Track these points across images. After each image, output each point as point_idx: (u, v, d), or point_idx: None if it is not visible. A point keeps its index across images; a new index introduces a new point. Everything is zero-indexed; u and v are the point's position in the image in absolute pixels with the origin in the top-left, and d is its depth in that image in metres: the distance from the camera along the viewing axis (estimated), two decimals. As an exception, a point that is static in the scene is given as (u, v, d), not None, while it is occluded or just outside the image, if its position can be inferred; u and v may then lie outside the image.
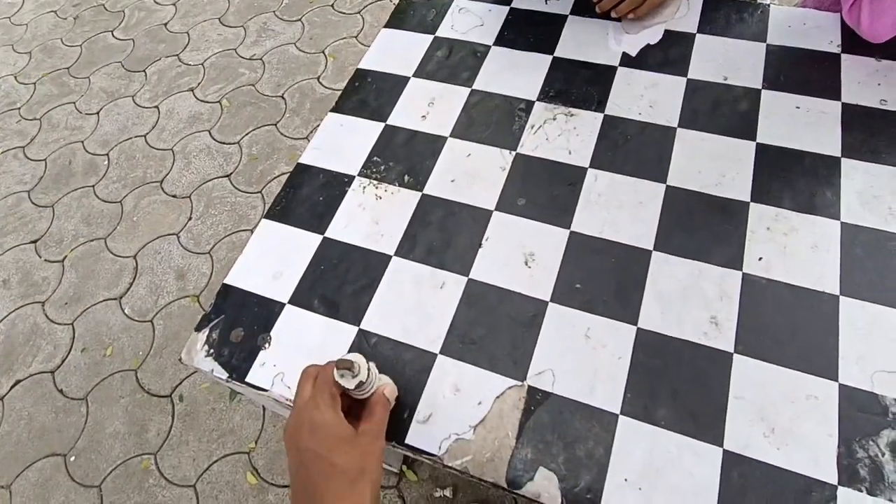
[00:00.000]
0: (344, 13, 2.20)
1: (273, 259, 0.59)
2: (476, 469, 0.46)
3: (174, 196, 1.73)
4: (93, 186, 1.80)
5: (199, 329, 0.56)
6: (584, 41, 0.74)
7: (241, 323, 0.56)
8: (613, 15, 0.74)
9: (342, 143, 0.68)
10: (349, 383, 0.42)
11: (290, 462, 0.41)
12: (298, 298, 0.56)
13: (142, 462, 1.27)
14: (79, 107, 2.06)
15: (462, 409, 0.48)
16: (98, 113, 2.02)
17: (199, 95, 2.00)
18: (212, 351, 0.54)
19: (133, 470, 1.27)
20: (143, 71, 2.13)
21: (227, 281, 0.59)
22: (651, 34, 0.73)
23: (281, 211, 0.63)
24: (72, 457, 1.31)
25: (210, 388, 1.35)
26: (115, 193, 1.77)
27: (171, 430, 1.31)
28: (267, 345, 0.54)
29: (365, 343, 0.53)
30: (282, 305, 0.56)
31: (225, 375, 0.53)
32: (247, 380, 0.52)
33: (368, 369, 0.43)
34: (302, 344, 0.54)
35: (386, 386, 0.46)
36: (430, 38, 0.77)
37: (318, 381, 0.42)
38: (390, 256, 0.58)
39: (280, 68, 2.04)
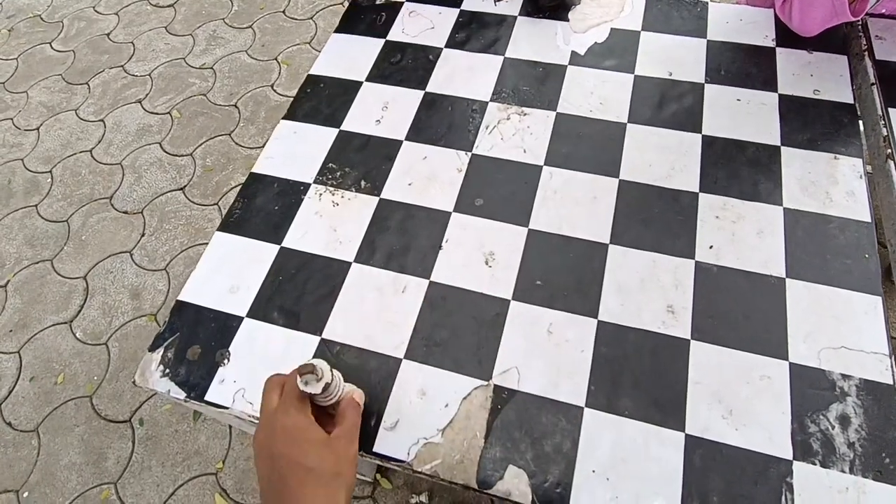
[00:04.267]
0: (296, 19, 2.17)
1: (229, 272, 0.58)
2: (446, 472, 0.45)
3: (125, 212, 1.66)
4: (35, 206, 1.71)
5: (153, 349, 0.54)
6: (533, 41, 0.75)
7: (197, 340, 0.54)
8: None
9: (296, 150, 0.67)
10: (315, 388, 0.40)
11: (260, 471, 0.39)
12: (257, 311, 0.55)
13: (101, 492, 1.21)
14: (17, 123, 1.95)
15: (429, 413, 0.48)
16: (38, 129, 1.92)
17: (147, 107, 1.93)
18: (167, 371, 0.52)
19: (92, 502, 1.20)
20: (86, 83, 2.04)
21: (182, 297, 0.57)
22: (598, 33, 0.75)
23: (235, 223, 0.61)
24: (24, 492, 1.23)
25: (172, 410, 1.30)
26: (61, 212, 1.68)
27: (131, 456, 1.25)
28: (226, 361, 0.52)
29: (328, 352, 0.52)
30: (240, 319, 0.54)
31: (182, 395, 0.51)
32: (206, 398, 0.50)
33: (332, 372, 0.42)
34: (263, 358, 0.52)
35: (354, 391, 0.46)
36: (381, 42, 0.77)
37: (285, 389, 0.41)
38: (350, 263, 0.57)
39: (232, 77, 1.99)
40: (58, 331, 1.44)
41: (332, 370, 0.42)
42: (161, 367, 0.52)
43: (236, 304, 0.55)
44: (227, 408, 0.50)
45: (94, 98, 1.98)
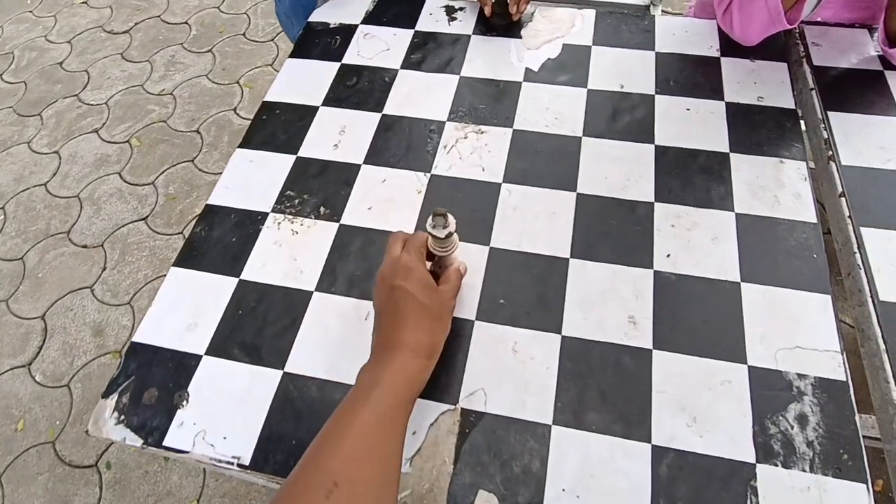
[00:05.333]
0: (256, 41, 2.15)
1: (186, 309, 0.56)
2: (416, 502, 0.44)
3: (84, 246, 1.61)
4: (-12, 244, 1.65)
5: (106, 395, 0.52)
6: (488, 59, 0.76)
7: (153, 382, 0.52)
8: (516, 17, 0.77)
9: (253, 179, 0.66)
10: (440, 232, 0.47)
11: (378, 298, 0.47)
12: (216, 348, 0.53)
13: (69, 542, 1.16)
14: (-35, 159, 1.88)
15: (397, 442, 0.47)
16: (-11, 164, 1.85)
17: (104, 136, 1.89)
18: (122, 417, 0.50)
19: (59, 552, 1.15)
20: (39, 115, 1.98)
21: (136, 339, 0.55)
22: (550, 49, 0.76)
23: (191, 257, 0.60)
24: (-15, 549, 1.17)
25: (141, 451, 1.25)
26: (15, 250, 1.62)
27: (99, 502, 1.20)
28: (185, 402, 0.50)
29: (291, 386, 0.51)
30: (198, 358, 0.53)
31: (139, 442, 0.49)
32: (164, 444, 0.49)
33: (455, 229, 0.48)
34: (224, 397, 0.51)
35: (462, 263, 0.53)
36: (336, 65, 0.77)
37: (409, 241, 0.49)
38: (311, 292, 0.56)
39: (193, 102, 1.97)
40: (16, 375, 1.38)
41: (455, 227, 0.48)
42: (115, 414, 0.50)
43: (194, 341, 0.54)
44: (186, 452, 0.48)
45: (47, 129, 1.93)
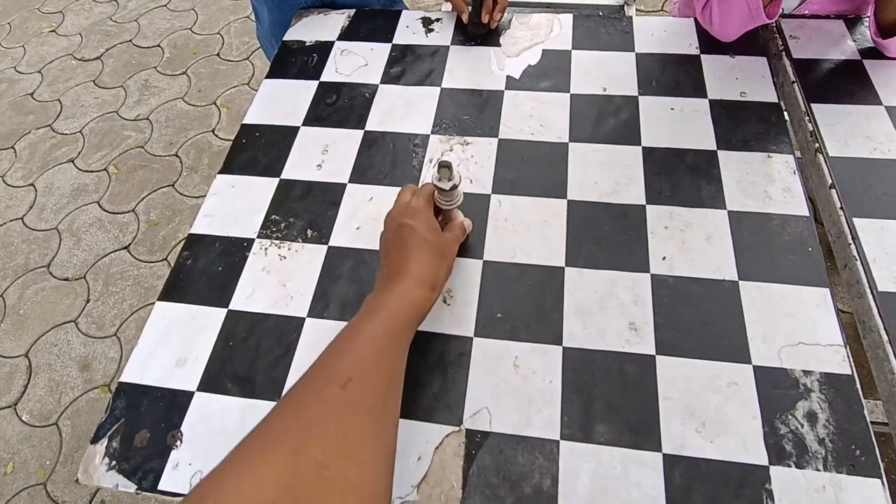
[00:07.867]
0: (231, 61, 2.13)
1: (174, 344, 0.54)
2: (426, 532, 0.43)
3: (66, 279, 1.57)
4: (-35, 284, 1.60)
5: (95, 440, 0.49)
6: (469, 69, 0.75)
7: (144, 423, 0.50)
8: (493, 26, 0.77)
9: (236, 205, 0.64)
10: (446, 185, 0.49)
11: (385, 239, 0.49)
12: (208, 384, 0.51)
13: (65, 588, 1.12)
14: (-63, 197, 1.83)
15: (402, 469, 0.46)
16: (-38, 200, 1.81)
17: (80, 165, 1.85)
18: (114, 463, 0.48)
19: None
20: (12, 147, 1.94)
21: (124, 378, 0.53)
22: (530, 55, 0.76)
23: (176, 289, 0.58)
24: None
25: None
26: (-6, 287, 1.58)
27: (96, 542, 1.16)
28: (178, 443, 0.48)
29: (289, 418, 0.49)
30: (190, 395, 0.51)
31: (133, 488, 0.47)
32: (159, 487, 0.47)
33: (460, 183, 0.50)
34: (219, 433, 0.49)
35: (467, 220, 0.56)
36: (314, 83, 0.75)
37: (417, 191, 0.51)
38: (303, 319, 0.54)
39: (170, 125, 1.94)
40: (1, 416, 1.34)
41: (460, 181, 0.50)
42: (106, 460, 0.48)
43: (185, 378, 0.52)
44: (183, 495, 0.46)
45: (21, 162, 1.88)
